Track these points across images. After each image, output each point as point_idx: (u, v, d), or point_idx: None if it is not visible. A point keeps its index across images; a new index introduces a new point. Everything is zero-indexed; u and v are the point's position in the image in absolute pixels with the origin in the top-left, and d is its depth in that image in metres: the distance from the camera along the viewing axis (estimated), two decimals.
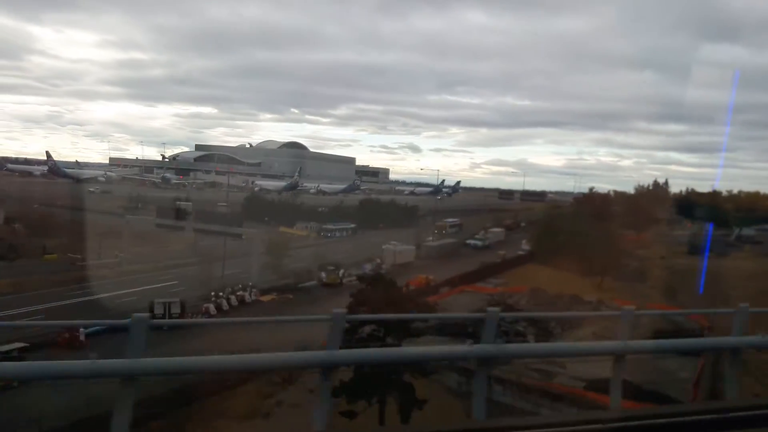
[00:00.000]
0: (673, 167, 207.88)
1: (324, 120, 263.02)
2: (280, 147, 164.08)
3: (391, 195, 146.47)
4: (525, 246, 71.94)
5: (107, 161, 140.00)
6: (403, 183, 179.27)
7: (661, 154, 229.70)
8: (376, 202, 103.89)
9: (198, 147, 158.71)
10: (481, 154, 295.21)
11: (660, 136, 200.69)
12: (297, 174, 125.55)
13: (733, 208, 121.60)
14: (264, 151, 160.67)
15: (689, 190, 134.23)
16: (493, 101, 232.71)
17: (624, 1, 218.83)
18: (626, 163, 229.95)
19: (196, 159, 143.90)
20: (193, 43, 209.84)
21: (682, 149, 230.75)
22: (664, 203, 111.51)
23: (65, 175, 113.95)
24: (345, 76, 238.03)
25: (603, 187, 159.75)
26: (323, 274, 51.89)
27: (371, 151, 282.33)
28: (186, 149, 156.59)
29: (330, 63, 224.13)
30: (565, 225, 65.25)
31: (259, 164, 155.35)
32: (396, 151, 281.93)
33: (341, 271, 53.83)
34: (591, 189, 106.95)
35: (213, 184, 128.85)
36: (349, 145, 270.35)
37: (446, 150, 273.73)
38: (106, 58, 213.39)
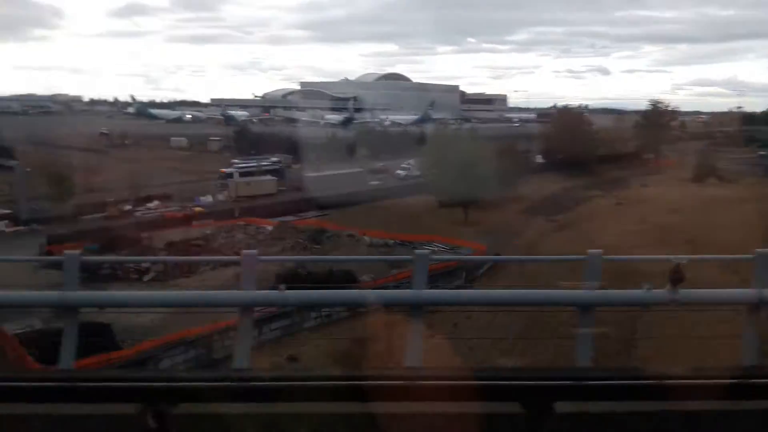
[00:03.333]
0: None
1: (502, 47, 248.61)
2: (377, 79, 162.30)
3: (498, 124, 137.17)
4: None
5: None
6: (517, 110, 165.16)
7: None
8: (373, 134, 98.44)
9: (302, 84, 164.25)
10: (682, 74, 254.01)
11: None
12: (351, 104, 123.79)
13: None
14: (358, 84, 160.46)
15: None
16: (692, 12, 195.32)
17: None
18: None
19: (284, 96, 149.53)
20: None
21: None
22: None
23: (148, 116, 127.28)
24: None
25: None
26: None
27: (556, 76, 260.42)
28: (289, 87, 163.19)
29: None
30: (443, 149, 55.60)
31: (354, 98, 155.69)
32: (583, 75, 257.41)
33: (154, 203, 53.19)
34: None
35: (291, 120, 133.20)
36: (531, 72, 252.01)
37: (640, 71, 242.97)
38: (291, 2, 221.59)
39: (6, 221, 45.18)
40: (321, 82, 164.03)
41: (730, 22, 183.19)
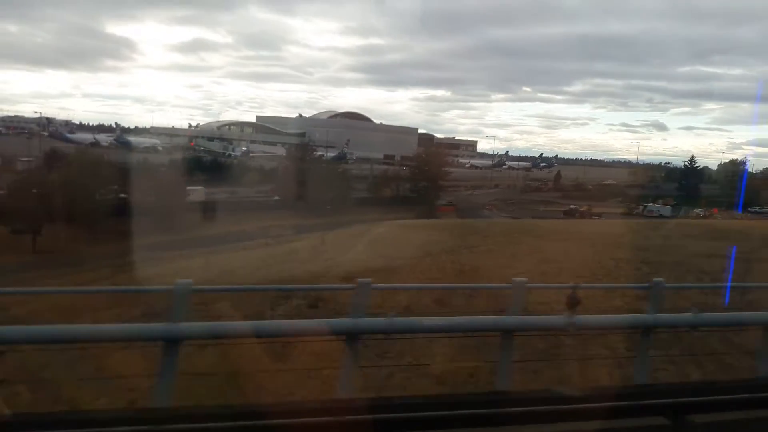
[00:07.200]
0: None
1: (557, 98, 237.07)
2: (331, 117, 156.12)
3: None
4: None
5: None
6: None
7: None
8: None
9: (258, 118, 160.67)
10: (743, 134, 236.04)
11: None
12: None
13: None
14: (312, 121, 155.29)
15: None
16: (758, 71, 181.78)
17: None
18: None
19: (219, 128, 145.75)
20: (426, 26, 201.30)
21: None
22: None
23: (64, 139, 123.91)
24: (581, 50, 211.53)
25: None
26: None
27: (610, 129, 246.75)
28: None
29: (565, 36, 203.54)
30: None
31: (303, 134, 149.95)
32: (638, 129, 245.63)
33: None
34: None
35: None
36: (586, 124, 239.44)
37: (698, 128, 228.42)
38: (349, 45, 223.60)
39: None
40: (279, 117, 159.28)
41: None
